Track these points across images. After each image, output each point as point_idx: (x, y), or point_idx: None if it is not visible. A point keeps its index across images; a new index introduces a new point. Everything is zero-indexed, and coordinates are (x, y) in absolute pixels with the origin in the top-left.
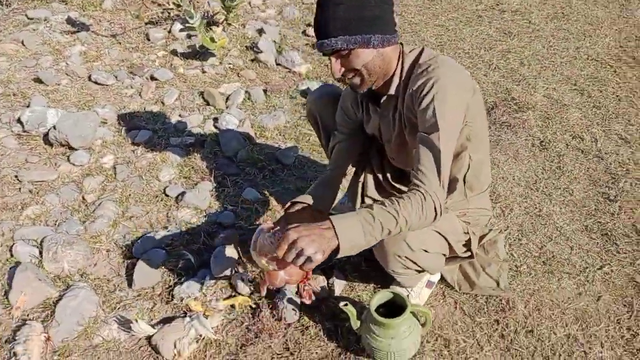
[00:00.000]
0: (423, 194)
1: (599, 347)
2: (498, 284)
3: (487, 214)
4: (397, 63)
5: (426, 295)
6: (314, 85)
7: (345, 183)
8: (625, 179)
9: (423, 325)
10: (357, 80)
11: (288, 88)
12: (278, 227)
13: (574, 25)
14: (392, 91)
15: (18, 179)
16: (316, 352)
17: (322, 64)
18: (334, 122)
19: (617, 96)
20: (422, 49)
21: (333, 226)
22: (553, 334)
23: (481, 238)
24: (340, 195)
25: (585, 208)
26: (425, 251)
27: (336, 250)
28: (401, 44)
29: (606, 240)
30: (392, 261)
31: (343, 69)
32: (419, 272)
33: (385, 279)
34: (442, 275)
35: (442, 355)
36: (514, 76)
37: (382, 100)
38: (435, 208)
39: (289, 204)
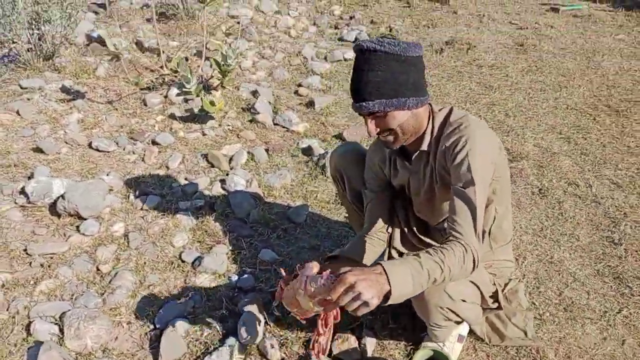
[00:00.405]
0: (463, 245)
1: None
2: (526, 334)
3: (510, 266)
4: (428, 121)
5: (459, 349)
6: (315, 144)
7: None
8: (625, 222)
9: None
10: (391, 138)
11: (289, 147)
12: (329, 270)
13: (549, 78)
14: (424, 147)
15: (27, 253)
16: None
17: (318, 123)
18: (358, 177)
19: (601, 143)
20: (451, 109)
21: (385, 272)
22: None
23: (503, 288)
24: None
25: (593, 252)
26: (464, 301)
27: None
28: (429, 103)
29: (619, 284)
30: (434, 313)
31: (378, 129)
32: (458, 323)
33: (414, 336)
34: (470, 329)
35: None
36: (502, 127)
37: (413, 157)
38: (474, 259)
39: (327, 256)
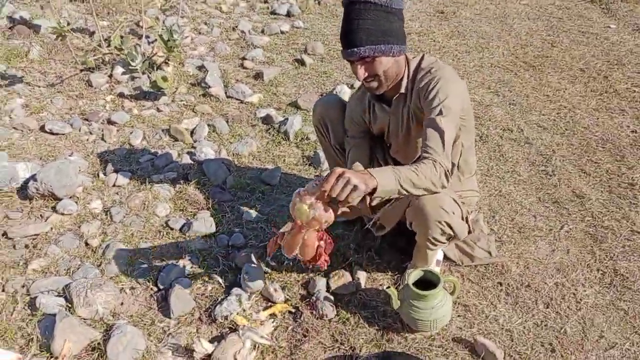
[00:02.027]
0: (432, 161)
1: (581, 288)
2: (490, 254)
3: (476, 195)
4: (405, 66)
5: (438, 271)
6: (272, 112)
7: None
8: (554, 157)
9: (452, 293)
10: (375, 84)
11: (247, 117)
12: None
13: (471, 41)
14: (402, 90)
15: (8, 237)
16: (362, 338)
17: (270, 93)
18: (340, 123)
19: (524, 94)
20: (423, 55)
21: (370, 172)
22: (545, 284)
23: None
24: None
25: (533, 184)
26: (454, 213)
27: (371, 194)
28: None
29: (558, 206)
30: (434, 227)
31: (366, 74)
32: (448, 240)
33: (398, 267)
34: (445, 255)
35: (467, 317)
36: None
37: (393, 100)
38: (445, 173)
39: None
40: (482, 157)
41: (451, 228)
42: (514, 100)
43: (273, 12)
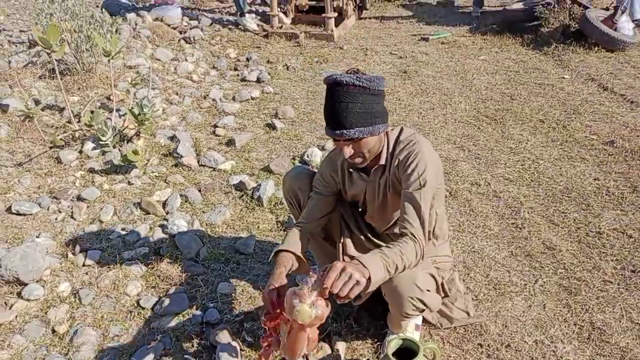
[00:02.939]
0: (413, 240)
1: (561, 345)
2: (469, 314)
3: (449, 260)
4: (384, 139)
5: (418, 336)
6: (245, 179)
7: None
8: (522, 209)
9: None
10: (359, 160)
11: (220, 185)
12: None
13: (434, 98)
14: (382, 162)
15: None
16: None
17: (242, 159)
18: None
19: (488, 147)
20: (402, 128)
21: (361, 262)
22: (525, 342)
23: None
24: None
25: (504, 238)
26: (428, 291)
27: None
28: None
29: (530, 260)
30: (406, 304)
31: (352, 152)
32: (421, 312)
33: (377, 334)
34: (424, 319)
35: None
36: None
37: (372, 170)
38: (422, 249)
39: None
40: (453, 213)
41: (424, 304)
42: (479, 155)
43: (243, 79)
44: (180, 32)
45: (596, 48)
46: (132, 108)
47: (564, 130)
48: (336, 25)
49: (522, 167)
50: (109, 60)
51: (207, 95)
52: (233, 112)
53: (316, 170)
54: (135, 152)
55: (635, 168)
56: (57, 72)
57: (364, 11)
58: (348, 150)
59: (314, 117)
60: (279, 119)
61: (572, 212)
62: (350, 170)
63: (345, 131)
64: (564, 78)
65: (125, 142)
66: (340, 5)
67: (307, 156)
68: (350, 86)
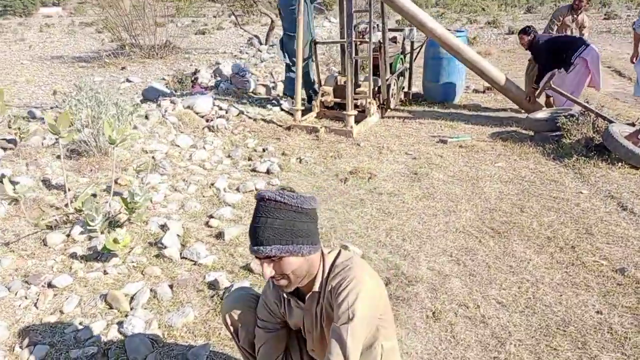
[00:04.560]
0: None
1: None
2: None
3: None
4: (320, 263)
5: None
6: (222, 277)
7: None
8: (509, 341)
9: None
10: (284, 282)
11: (195, 281)
12: None
13: (440, 203)
14: (316, 288)
15: None
16: None
17: (227, 254)
18: (251, 323)
19: (486, 264)
20: (340, 251)
21: None
22: None
23: None
24: None
25: None
26: None
27: None
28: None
29: None
30: None
31: (273, 272)
32: None
33: None
34: None
35: None
36: (399, 252)
37: (307, 297)
38: None
39: None
40: (432, 338)
41: None
42: (474, 271)
43: (254, 170)
44: (207, 121)
45: (620, 164)
46: (123, 195)
47: (572, 251)
48: (358, 122)
49: (518, 290)
50: (113, 147)
51: (213, 184)
52: (233, 203)
53: (258, 291)
54: (115, 241)
55: None
56: (62, 154)
57: (388, 110)
58: (268, 270)
59: None
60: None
61: (565, 350)
62: (288, 298)
63: (262, 248)
64: (581, 193)
65: (115, 228)
66: (364, 103)
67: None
68: (272, 201)
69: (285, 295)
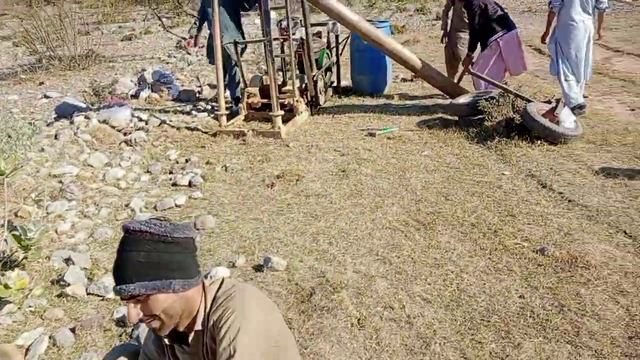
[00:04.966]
0: None
1: None
2: None
3: None
4: (201, 299)
5: None
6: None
7: None
8: (434, 340)
9: None
10: (156, 324)
11: (101, 320)
12: None
13: (367, 200)
14: (198, 327)
15: None
16: None
17: None
18: None
19: (412, 259)
20: (222, 281)
21: None
22: None
23: None
24: None
25: None
26: None
27: None
28: (204, 277)
29: None
30: None
31: (141, 314)
32: None
33: None
34: None
35: None
36: (325, 257)
37: (190, 338)
38: None
39: None
40: (356, 349)
41: None
42: (400, 268)
43: (175, 184)
44: (125, 134)
45: (539, 142)
46: (14, 232)
47: (494, 236)
48: (287, 122)
49: (443, 283)
50: (3, 179)
51: (128, 205)
52: None
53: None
54: (6, 287)
55: (564, 281)
56: None
57: (318, 107)
58: (134, 313)
59: (237, 225)
60: (197, 230)
61: (489, 342)
62: (168, 342)
63: (124, 287)
64: (503, 174)
65: (11, 269)
66: (291, 102)
67: (210, 278)
68: (136, 233)
69: (166, 342)
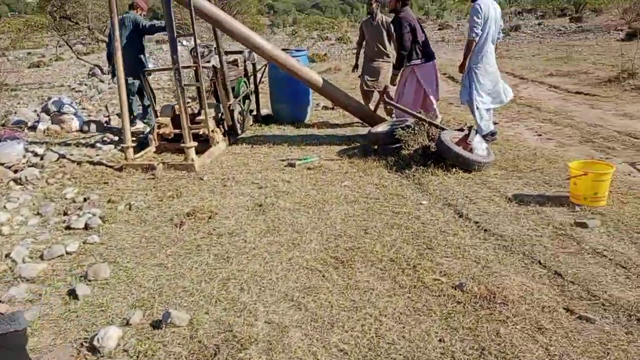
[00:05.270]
0: None
1: None
2: None
3: None
4: None
5: None
6: None
7: None
8: None
9: None
10: None
11: None
12: None
13: (284, 236)
14: None
15: None
16: None
17: None
18: None
19: (329, 303)
20: None
21: None
22: None
23: None
24: None
25: None
26: None
27: None
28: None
29: None
30: None
31: None
32: None
33: None
34: None
35: None
36: (235, 306)
37: None
38: None
39: None
40: None
41: None
42: (316, 315)
43: (68, 227)
44: (15, 172)
45: (454, 169)
46: None
47: (413, 272)
48: (203, 153)
49: (361, 330)
50: None
51: (9, 255)
52: (32, 276)
53: None
54: None
55: (484, 320)
56: None
57: (236, 136)
58: None
59: (137, 273)
60: (88, 281)
61: None
62: None
63: None
64: (421, 204)
65: None
66: (207, 132)
67: (98, 341)
68: None
69: None
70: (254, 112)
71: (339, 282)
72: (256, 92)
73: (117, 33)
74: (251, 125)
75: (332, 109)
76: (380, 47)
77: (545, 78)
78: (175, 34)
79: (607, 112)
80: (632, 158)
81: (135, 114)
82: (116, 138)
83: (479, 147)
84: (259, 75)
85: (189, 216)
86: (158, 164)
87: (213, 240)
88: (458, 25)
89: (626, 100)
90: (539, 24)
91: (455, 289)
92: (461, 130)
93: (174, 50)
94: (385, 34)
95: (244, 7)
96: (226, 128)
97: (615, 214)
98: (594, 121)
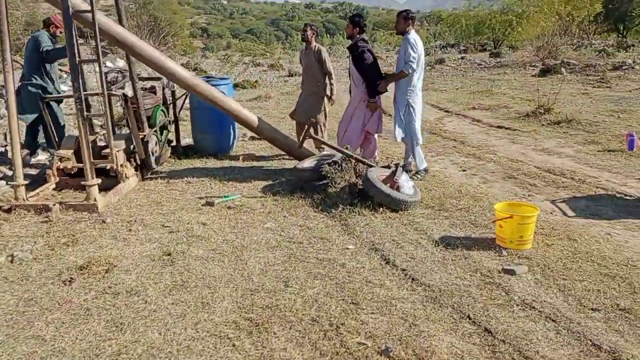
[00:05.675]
0: None
1: None
2: None
3: None
4: None
5: None
6: None
7: None
8: None
9: None
10: None
11: None
12: None
13: (193, 294)
14: None
15: None
16: None
17: None
18: None
19: None
20: None
21: None
22: None
23: None
24: None
25: None
26: None
27: None
28: None
29: None
30: None
31: None
32: None
33: None
34: None
35: None
36: None
37: None
38: None
39: None
40: None
41: None
42: None
43: None
44: None
45: (381, 209)
46: None
47: (336, 334)
48: (110, 190)
49: None
50: None
51: None
52: None
53: None
54: None
55: None
56: None
57: (151, 171)
58: None
59: (5, 350)
60: None
61: None
62: None
63: None
64: (347, 249)
65: None
66: (115, 166)
67: None
68: None
69: None
70: (174, 143)
71: (252, 353)
72: (176, 122)
73: (7, 55)
74: (170, 157)
75: (259, 139)
76: (312, 77)
77: (469, 111)
78: (78, 60)
79: (527, 147)
80: (552, 195)
81: (38, 143)
82: (11, 172)
83: (406, 185)
84: (179, 103)
85: (81, 270)
86: (54, 205)
87: (107, 301)
88: (387, 56)
89: (544, 135)
90: (462, 58)
91: (381, 355)
92: (387, 167)
93: (75, 78)
94: (317, 64)
95: (175, 29)
96: (138, 162)
97: (541, 258)
98: (515, 156)
